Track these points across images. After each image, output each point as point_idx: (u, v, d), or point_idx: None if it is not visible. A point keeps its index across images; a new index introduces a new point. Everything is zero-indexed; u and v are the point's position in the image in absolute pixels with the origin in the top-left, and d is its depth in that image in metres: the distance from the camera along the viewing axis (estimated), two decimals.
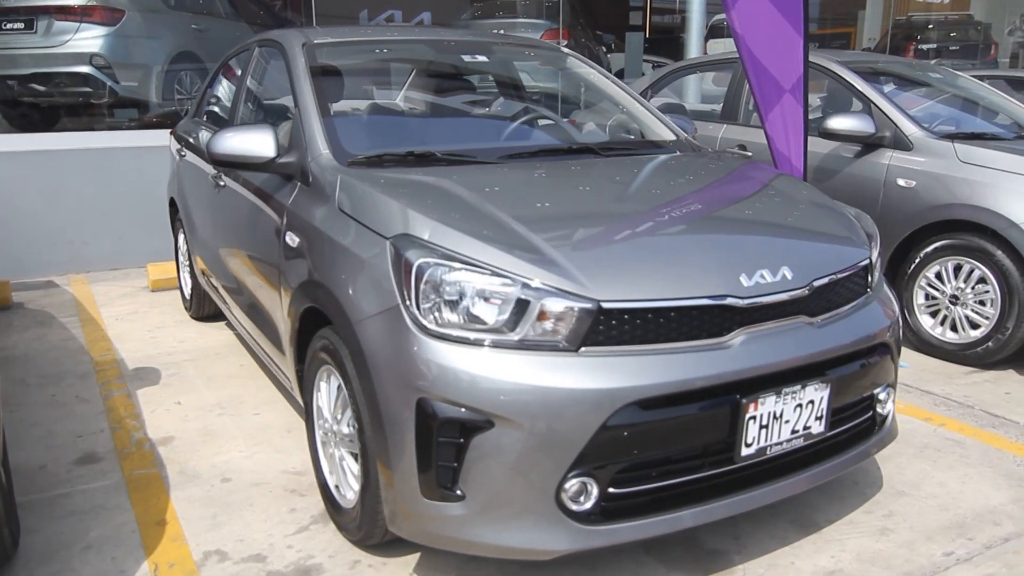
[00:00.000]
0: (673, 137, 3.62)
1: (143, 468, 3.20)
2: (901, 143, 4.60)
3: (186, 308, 5.28)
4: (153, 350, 4.61)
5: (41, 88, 7.58)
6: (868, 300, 2.65)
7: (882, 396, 2.70)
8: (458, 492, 2.12)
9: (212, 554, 2.62)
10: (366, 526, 2.44)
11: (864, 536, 2.71)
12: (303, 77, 3.15)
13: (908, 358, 4.44)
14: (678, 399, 2.14)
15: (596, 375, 2.07)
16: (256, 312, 3.40)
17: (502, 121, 3.67)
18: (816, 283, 2.39)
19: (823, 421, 2.40)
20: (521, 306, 2.11)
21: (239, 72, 4.10)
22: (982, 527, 2.77)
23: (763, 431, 2.27)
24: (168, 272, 5.80)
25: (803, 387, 2.31)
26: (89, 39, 7.58)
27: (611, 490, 2.15)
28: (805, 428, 2.37)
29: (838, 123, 4.62)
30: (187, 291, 5.17)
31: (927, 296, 4.47)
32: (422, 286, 2.16)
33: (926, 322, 4.49)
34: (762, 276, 2.29)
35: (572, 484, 2.10)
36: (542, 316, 2.11)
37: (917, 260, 4.47)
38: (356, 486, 2.50)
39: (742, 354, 2.21)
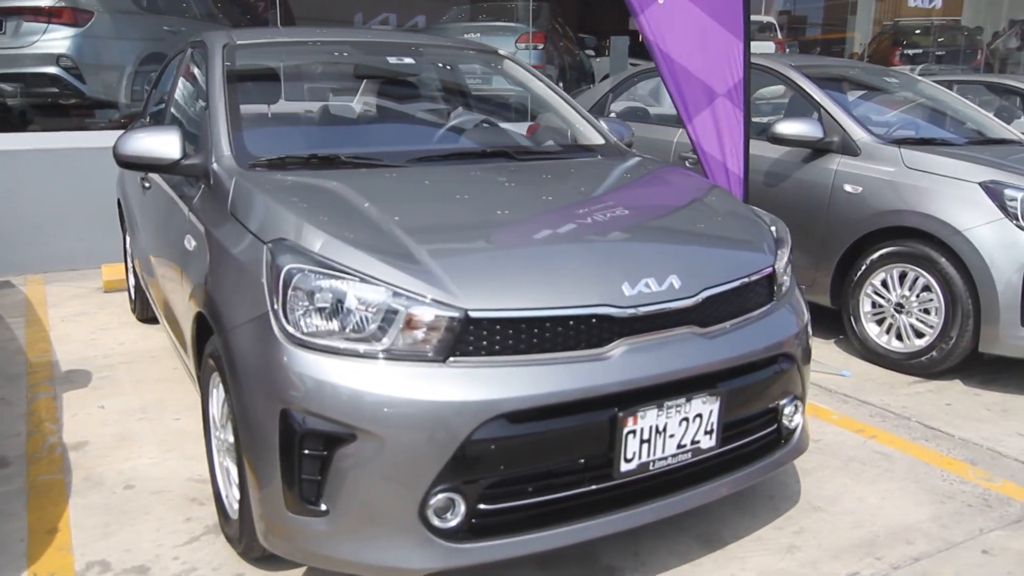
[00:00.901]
0: (601, 141, 3.55)
1: (49, 474, 3.14)
2: (849, 148, 4.52)
3: (132, 310, 5.22)
4: (91, 352, 4.55)
5: (8, 88, 7.56)
6: (772, 309, 2.58)
7: (788, 409, 2.63)
8: (322, 507, 2.05)
9: (95, 564, 2.55)
10: (246, 538, 2.38)
11: (769, 554, 2.63)
12: (216, 78, 3.09)
13: (854, 367, 4.36)
14: (551, 412, 2.07)
15: (462, 386, 2.00)
16: (171, 315, 3.34)
17: (418, 124, 3.61)
18: (707, 293, 2.32)
19: (714, 435, 2.33)
20: (389, 315, 2.05)
21: (174, 73, 4.04)
22: (894, 546, 2.69)
23: (644, 446, 2.19)
24: (122, 273, 5.75)
25: (688, 400, 2.24)
26: (56, 40, 7.55)
27: (481, 506, 2.08)
28: (693, 443, 2.29)
29: (786, 128, 4.55)
30: (133, 292, 5.12)
31: (874, 304, 4.39)
32: (290, 292, 2.09)
33: (872, 330, 4.41)
34: (647, 285, 2.22)
35: (437, 500, 2.02)
36: (410, 325, 2.04)
37: (863, 267, 4.39)
38: (238, 496, 2.44)
39: (621, 366, 2.14)
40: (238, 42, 3.36)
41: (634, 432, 2.16)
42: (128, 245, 5.00)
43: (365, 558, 2.04)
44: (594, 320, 2.14)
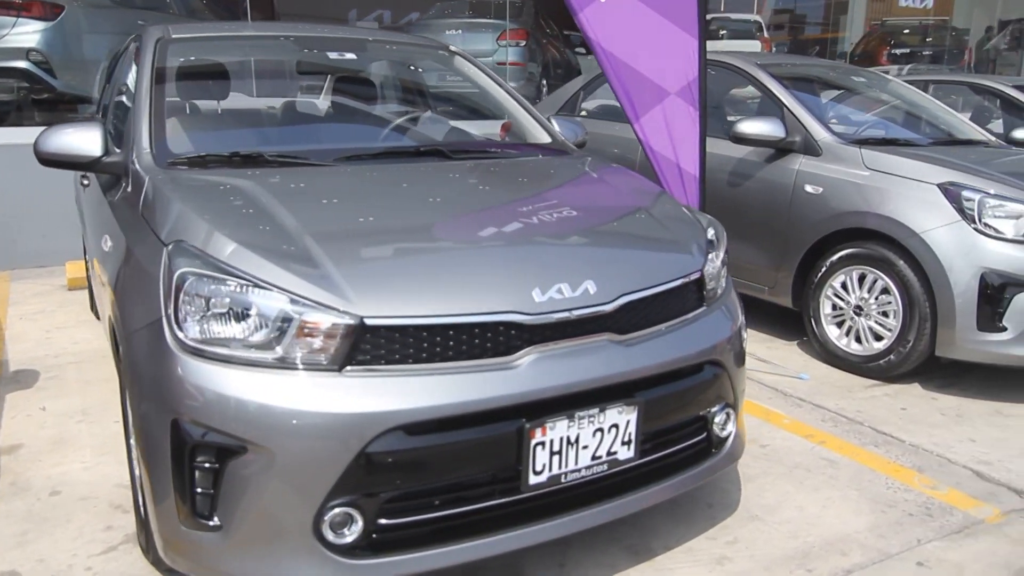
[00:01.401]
0: (548, 140, 3.48)
1: None
2: (811, 148, 4.45)
3: (91, 307, 5.16)
4: (43, 351, 4.48)
5: None
6: (702, 314, 2.51)
7: (719, 416, 2.56)
8: (215, 521, 1.98)
9: (3, 575, 2.49)
10: (153, 550, 2.31)
11: (698, 566, 2.57)
12: (145, 73, 3.02)
13: (815, 370, 4.29)
14: (452, 424, 2.00)
15: (357, 397, 1.94)
16: (103, 315, 3.27)
17: (352, 121, 3.54)
18: (625, 298, 2.25)
19: (632, 446, 2.26)
20: (284, 323, 1.98)
21: (120, 68, 3.97)
22: (827, 557, 2.63)
23: (555, 458, 2.13)
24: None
25: (602, 410, 2.17)
26: (26, 34, 7.47)
27: (381, 521, 2.01)
28: (609, 454, 2.22)
29: (748, 127, 4.49)
30: (91, 289, 5.07)
31: (834, 306, 4.32)
32: (183, 297, 2.03)
33: (832, 333, 4.34)
34: (559, 291, 2.15)
35: (333, 514, 1.96)
36: (305, 333, 1.97)
37: (824, 269, 4.32)
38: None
39: (529, 375, 2.07)
40: (173, 36, 3.28)
41: (543, 444, 2.09)
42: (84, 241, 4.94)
43: (259, 574, 1.98)
44: (501, 328, 2.07)
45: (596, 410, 2.16)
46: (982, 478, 3.17)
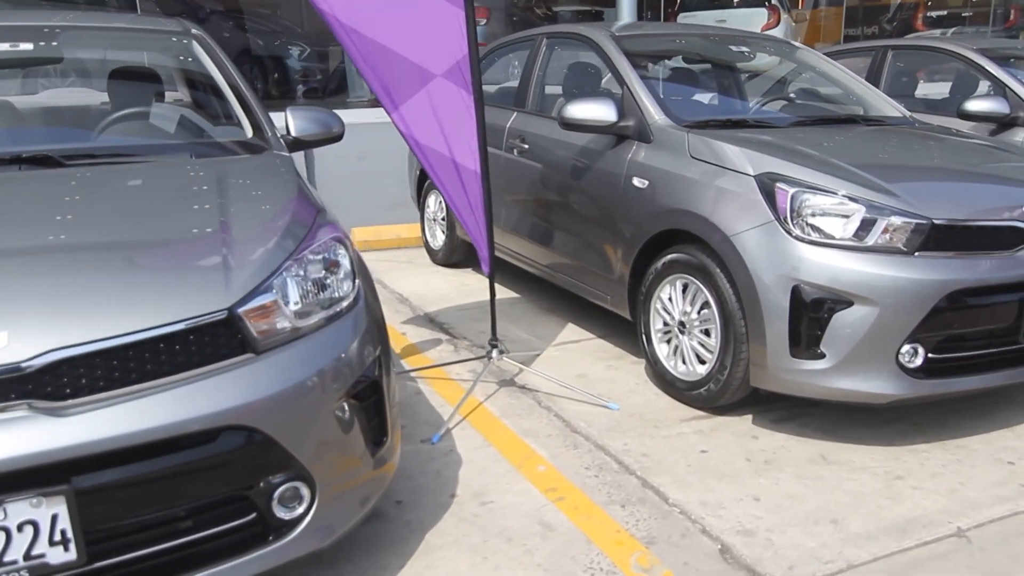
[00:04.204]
0: (247, 136, 2.96)
1: None
2: (644, 134, 3.76)
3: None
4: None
5: None
6: (235, 365, 1.95)
7: (283, 492, 2.02)
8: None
9: None
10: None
11: None
12: None
13: (642, 396, 3.63)
14: None
15: None
16: None
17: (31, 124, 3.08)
18: (56, 354, 1.73)
19: (73, 546, 1.74)
20: None
21: None
22: None
23: None
24: None
25: (1, 504, 1.66)
26: None
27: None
28: (30, 557, 1.71)
29: (576, 110, 3.80)
30: None
31: (665, 322, 3.64)
32: None
33: (662, 352, 3.66)
34: None
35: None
36: None
37: (651, 277, 3.65)
38: None
39: None
40: None
41: None
42: None
43: None
44: None
45: None
46: (725, 557, 2.50)
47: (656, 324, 3.68)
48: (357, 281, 2.36)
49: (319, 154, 6.84)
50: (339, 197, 6.99)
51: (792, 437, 3.25)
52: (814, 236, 3.02)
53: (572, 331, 4.48)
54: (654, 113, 3.75)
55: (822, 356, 2.99)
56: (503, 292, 5.20)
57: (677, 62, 4.55)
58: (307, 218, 2.38)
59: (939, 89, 6.63)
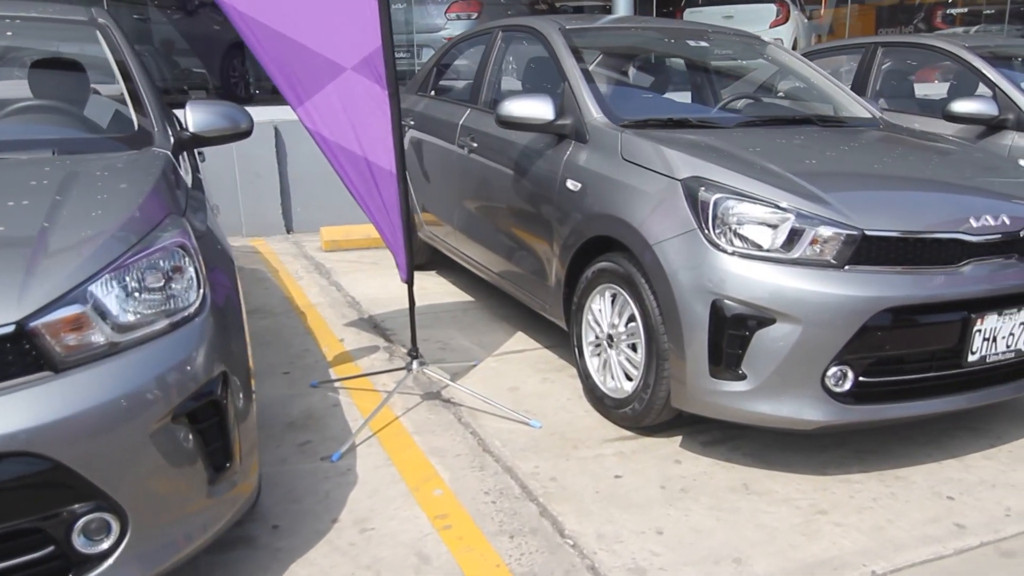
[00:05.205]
0: (132, 131, 2.79)
1: None
2: (580, 133, 3.54)
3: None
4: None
5: None
6: (29, 384, 1.78)
7: (87, 524, 1.84)
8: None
9: None
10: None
11: None
12: None
13: (571, 412, 3.41)
14: None
15: None
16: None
17: None
18: None
19: None
20: None
21: None
22: None
23: None
24: None
25: None
26: None
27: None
28: None
29: (514, 107, 3.59)
30: None
31: (596, 335, 3.42)
32: None
33: (593, 365, 3.44)
34: None
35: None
36: None
37: (582, 287, 3.43)
38: None
39: None
40: None
41: None
42: None
43: None
44: None
45: None
46: None
47: (588, 336, 3.46)
48: (203, 291, 2.17)
49: (291, 152, 6.71)
50: (310, 196, 6.88)
51: (718, 463, 3.02)
52: (739, 246, 2.78)
53: (518, 340, 4.27)
54: (592, 111, 3.52)
55: (743, 377, 2.76)
56: (458, 296, 5.00)
57: (634, 59, 4.31)
58: (150, 222, 2.19)
59: (936, 89, 6.34)
